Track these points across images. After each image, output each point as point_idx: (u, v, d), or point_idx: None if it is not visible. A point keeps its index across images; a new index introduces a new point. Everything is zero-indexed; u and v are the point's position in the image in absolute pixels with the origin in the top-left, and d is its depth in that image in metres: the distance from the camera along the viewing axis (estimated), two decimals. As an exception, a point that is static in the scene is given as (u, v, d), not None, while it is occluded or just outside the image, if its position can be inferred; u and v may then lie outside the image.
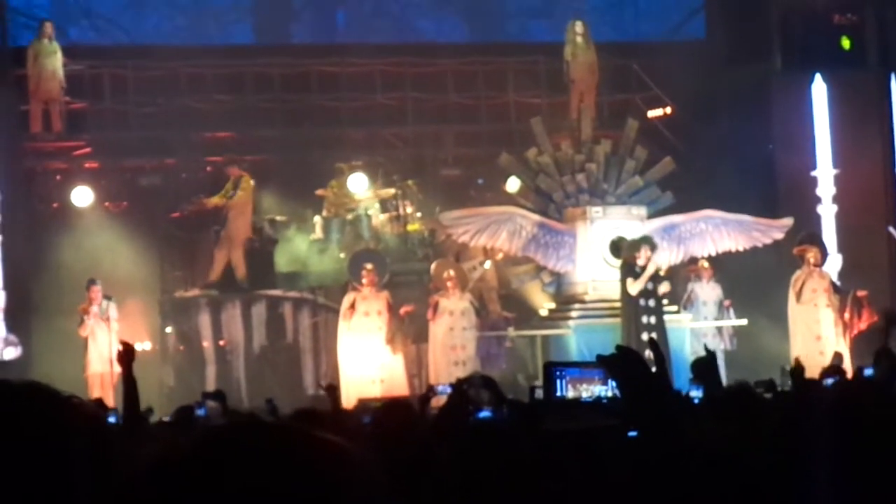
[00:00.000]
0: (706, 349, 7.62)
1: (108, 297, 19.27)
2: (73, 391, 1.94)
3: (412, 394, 18.00)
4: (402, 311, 19.14)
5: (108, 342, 18.89)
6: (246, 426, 1.69)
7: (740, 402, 5.68)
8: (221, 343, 21.03)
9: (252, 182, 21.06)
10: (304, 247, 22.21)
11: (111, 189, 21.98)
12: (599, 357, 3.33)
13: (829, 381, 11.34)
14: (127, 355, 7.57)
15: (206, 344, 20.97)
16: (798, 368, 9.50)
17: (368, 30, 24.89)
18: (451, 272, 19.31)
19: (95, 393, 17.66)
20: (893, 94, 22.39)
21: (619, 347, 3.34)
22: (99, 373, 18.91)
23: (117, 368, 17.10)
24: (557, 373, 5.15)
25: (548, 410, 5.66)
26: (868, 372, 10.40)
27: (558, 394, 5.10)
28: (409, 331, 19.28)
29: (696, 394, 9.96)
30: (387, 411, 6.63)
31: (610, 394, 5.11)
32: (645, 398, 3.17)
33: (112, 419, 7.92)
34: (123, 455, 1.87)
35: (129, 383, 7.51)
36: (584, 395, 5.17)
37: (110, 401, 16.66)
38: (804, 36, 22.97)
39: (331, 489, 1.63)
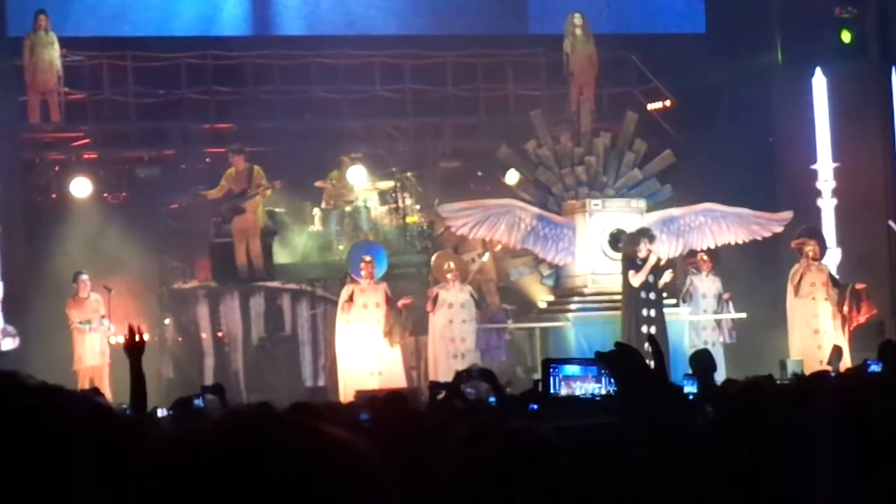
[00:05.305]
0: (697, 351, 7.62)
1: (108, 289, 19.34)
2: (71, 382, 1.92)
3: (410, 386, 18.01)
4: (401, 303, 19.11)
5: (98, 335, 18.95)
6: (257, 416, 1.69)
7: (750, 397, 5.64)
8: (220, 335, 21.02)
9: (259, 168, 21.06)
10: (303, 238, 22.19)
11: (110, 180, 21.93)
12: (597, 354, 3.32)
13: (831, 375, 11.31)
14: (136, 347, 7.08)
15: (205, 335, 20.97)
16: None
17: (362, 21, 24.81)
18: (452, 264, 19.29)
19: (85, 386, 17.62)
20: (894, 87, 22.33)
21: (617, 344, 3.32)
22: (90, 366, 18.91)
23: (120, 358, 17.19)
24: (552, 370, 5.14)
25: (545, 406, 5.64)
26: (874, 367, 10.32)
27: (552, 391, 5.10)
28: (408, 323, 19.25)
29: (690, 388, 9.95)
30: (383, 408, 6.59)
31: (604, 391, 5.11)
32: (642, 395, 3.15)
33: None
34: (131, 447, 1.86)
35: (137, 377, 7.05)
36: (578, 392, 5.16)
37: (107, 393, 16.64)
38: (805, 29, 22.91)
39: (335, 481, 1.65)
